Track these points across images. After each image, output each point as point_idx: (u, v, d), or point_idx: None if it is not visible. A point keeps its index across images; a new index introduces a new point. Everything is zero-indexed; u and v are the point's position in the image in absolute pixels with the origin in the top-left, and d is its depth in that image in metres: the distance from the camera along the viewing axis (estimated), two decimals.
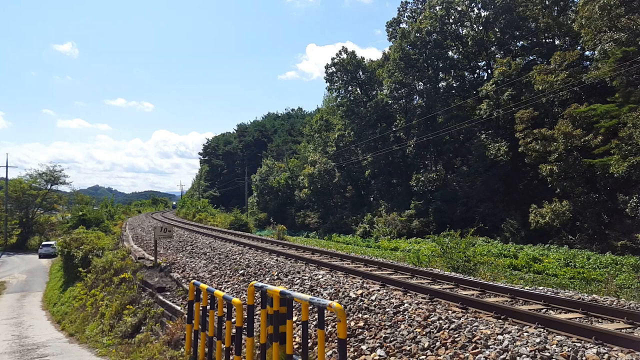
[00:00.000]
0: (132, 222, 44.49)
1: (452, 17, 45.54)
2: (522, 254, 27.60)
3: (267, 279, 11.51)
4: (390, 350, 6.43)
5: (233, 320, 7.35)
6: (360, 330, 7.26)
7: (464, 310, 7.46)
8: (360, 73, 56.77)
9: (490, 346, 5.79)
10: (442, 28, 45.48)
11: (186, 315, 8.89)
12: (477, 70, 48.19)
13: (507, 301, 8.54)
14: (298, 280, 10.63)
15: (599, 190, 30.70)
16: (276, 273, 11.75)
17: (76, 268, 25.82)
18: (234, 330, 6.87)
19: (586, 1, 29.01)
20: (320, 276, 10.58)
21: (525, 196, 35.43)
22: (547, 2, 39.03)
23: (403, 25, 54.28)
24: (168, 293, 12.27)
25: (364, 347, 6.74)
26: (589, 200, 30.03)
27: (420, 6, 55.10)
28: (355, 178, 58.06)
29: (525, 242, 31.67)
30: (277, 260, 13.92)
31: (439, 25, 45.13)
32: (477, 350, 5.78)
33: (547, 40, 41.06)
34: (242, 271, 12.72)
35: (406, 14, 57.09)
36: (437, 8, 45.83)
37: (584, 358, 5.19)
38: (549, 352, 5.36)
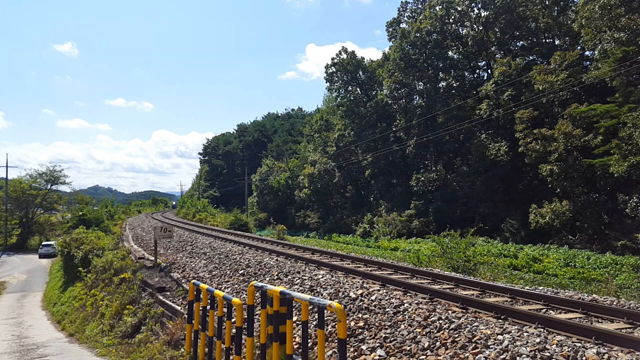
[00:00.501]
0: (132, 222, 44.49)
1: (452, 17, 45.54)
2: (522, 254, 27.60)
3: (267, 279, 11.51)
4: (390, 350, 6.43)
5: (233, 320, 7.35)
6: (360, 330, 7.26)
7: (464, 310, 7.46)
8: (360, 73, 56.77)
9: (490, 346, 5.79)
10: (442, 28, 45.48)
11: (186, 315, 8.89)
12: (477, 70, 48.20)
13: (507, 301, 8.54)
14: (298, 280, 10.63)
15: (599, 190, 30.70)
16: (276, 273, 11.75)
17: (76, 268, 25.82)
18: (234, 330, 6.87)
19: (586, 1, 29.00)
20: (320, 276, 10.58)
21: (525, 196, 35.43)
22: (547, 2, 39.03)
23: (403, 25, 54.27)
24: (168, 293, 12.27)
25: (364, 347, 6.74)
26: (589, 200, 30.02)
27: (420, 6, 55.09)
28: (355, 178, 58.06)
29: (525, 242, 31.66)
30: (277, 260, 13.92)
31: (439, 25, 45.13)
32: (477, 350, 5.78)
33: (547, 40, 41.06)
34: (242, 271, 12.72)
35: (406, 14, 57.11)
36: (437, 8, 45.83)
37: (584, 358, 5.19)
38: (549, 352, 5.36)
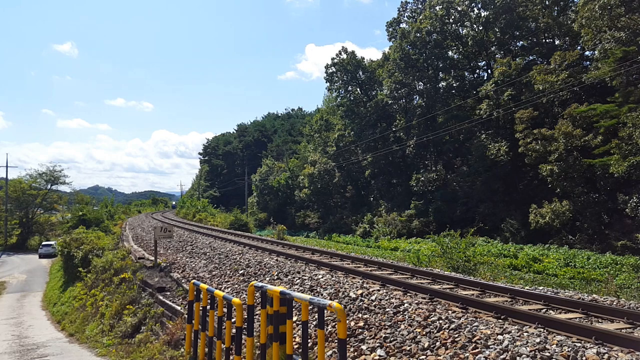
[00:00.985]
0: (132, 222, 44.49)
1: (452, 17, 45.54)
2: (522, 254, 27.60)
3: (267, 279, 11.51)
4: (390, 350, 6.43)
5: (233, 320, 7.35)
6: (360, 330, 7.26)
7: (464, 310, 7.46)
8: (360, 73, 56.77)
9: (490, 346, 5.79)
10: (442, 28, 45.48)
11: (186, 315, 8.89)
12: (477, 70, 48.21)
13: (507, 301, 8.54)
14: (298, 280, 10.63)
15: (599, 190, 30.70)
16: (276, 273, 11.75)
17: (76, 268, 25.82)
18: (234, 330, 6.87)
19: (586, 1, 29.00)
20: (320, 276, 10.58)
21: (525, 196, 35.43)
22: (547, 2, 39.03)
23: (403, 25, 54.27)
24: (168, 293, 12.27)
25: (364, 347, 6.74)
26: (589, 200, 30.02)
27: (420, 6, 55.10)
28: (355, 178, 58.07)
29: (525, 242, 31.66)
30: (277, 260, 13.92)
31: (439, 25, 45.13)
32: (477, 350, 5.78)
33: (547, 40, 41.06)
34: (242, 271, 12.72)
35: (406, 14, 57.11)
36: (437, 8, 45.83)
37: (584, 358, 5.19)
38: (549, 352, 5.36)
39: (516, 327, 6.39)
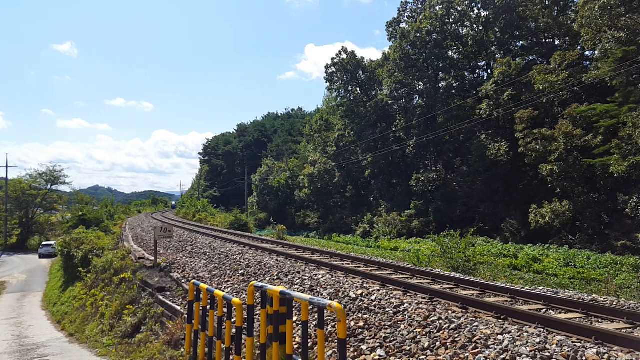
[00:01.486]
0: (132, 222, 44.49)
1: (452, 17, 45.54)
2: (522, 254, 27.60)
3: (267, 279, 11.51)
4: (390, 350, 6.43)
5: (233, 320, 7.35)
6: (360, 330, 7.26)
7: (464, 310, 7.46)
8: (360, 73, 56.78)
9: (490, 346, 5.79)
10: (442, 28, 45.48)
11: (186, 315, 8.89)
12: (477, 70, 48.20)
13: (507, 301, 8.54)
14: (298, 280, 10.62)
15: (599, 190, 30.70)
16: (276, 273, 11.75)
17: (76, 268, 25.82)
18: (234, 330, 6.87)
19: (586, 1, 28.99)
20: (320, 276, 10.58)
21: (525, 196, 35.43)
22: (547, 2, 39.02)
23: (403, 25, 54.26)
24: (168, 293, 12.27)
25: (364, 347, 6.74)
26: (589, 200, 30.02)
27: (420, 6, 55.08)
28: (355, 178, 58.06)
29: (525, 242, 31.66)
30: (277, 260, 13.92)
31: (439, 25, 45.14)
32: (477, 350, 5.78)
33: (547, 40, 41.06)
34: (242, 271, 12.72)
35: (406, 14, 57.09)
36: (437, 8, 45.83)
37: (584, 358, 5.19)
38: (549, 352, 5.36)
39: (516, 327, 6.39)
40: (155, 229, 16.78)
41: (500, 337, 5.95)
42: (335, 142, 56.29)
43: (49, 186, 68.96)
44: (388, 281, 9.93)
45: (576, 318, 7.33)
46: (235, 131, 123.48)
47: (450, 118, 44.54)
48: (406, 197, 46.50)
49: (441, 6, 45.49)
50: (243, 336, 6.59)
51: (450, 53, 47.76)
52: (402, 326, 6.96)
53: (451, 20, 45.66)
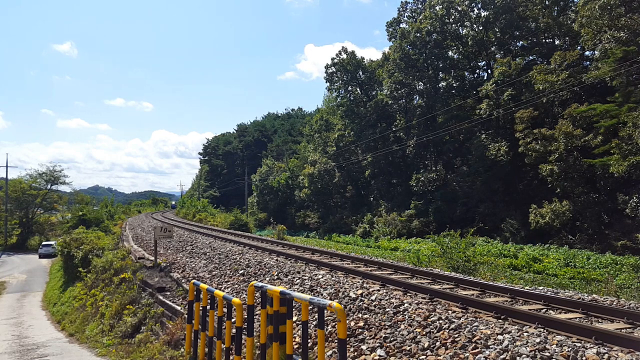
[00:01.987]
0: (132, 222, 44.49)
1: (452, 17, 45.54)
2: (522, 254, 27.60)
3: (267, 279, 11.51)
4: (390, 350, 6.43)
5: (233, 320, 7.35)
6: (360, 330, 7.26)
7: (464, 310, 7.46)
8: (360, 73, 56.77)
9: (490, 346, 5.79)
10: (442, 28, 45.48)
11: (186, 315, 8.89)
12: (477, 70, 48.20)
13: (507, 301, 8.54)
14: (298, 280, 10.62)
15: (599, 190, 30.70)
16: (276, 273, 11.75)
17: (76, 268, 25.82)
18: (234, 330, 6.87)
19: (586, 1, 29.00)
20: (320, 276, 10.58)
21: (525, 196, 35.43)
22: (547, 2, 39.03)
23: (403, 25, 54.27)
24: (168, 293, 12.27)
25: (364, 347, 6.74)
26: (589, 200, 30.02)
27: (420, 6, 55.09)
28: (355, 178, 58.06)
29: (525, 242, 31.66)
30: (277, 260, 13.91)
31: (439, 25, 45.14)
32: (477, 350, 5.78)
33: (547, 40, 41.07)
34: (242, 271, 12.72)
35: (406, 14, 57.10)
36: (437, 8, 45.83)
37: (584, 358, 5.19)
38: (549, 352, 5.36)
39: (516, 327, 6.39)
40: (155, 229, 16.78)
41: (500, 337, 5.95)
42: (335, 142, 56.29)
43: (49, 186, 68.98)
44: (388, 281, 9.93)
45: (576, 318, 7.33)
46: (235, 131, 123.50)
47: (450, 118, 44.54)
48: (406, 197, 46.50)
49: (441, 6, 45.49)
50: (243, 336, 6.59)
51: (450, 53, 47.77)
52: (402, 326, 6.96)
53: (451, 20, 45.66)
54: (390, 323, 7.15)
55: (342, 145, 55.38)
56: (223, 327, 7.04)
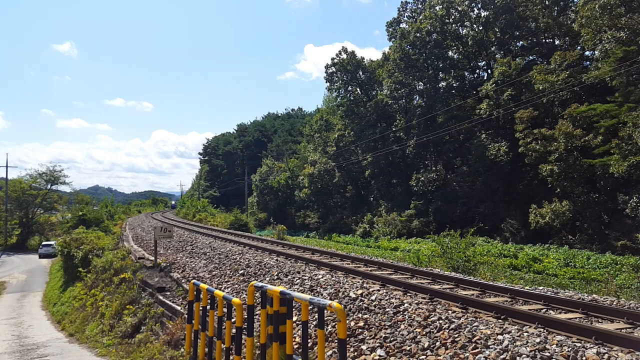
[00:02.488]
0: (132, 222, 44.49)
1: (452, 17, 45.56)
2: (522, 254, 27.60)
3: (267, 279, 11.51)
4: (390, 350, 6.43)
5: (233, 320, 7.35)
6: (360, 330, 7.26)
7: (464, 310, 7.46)
8: (360, 73, 56.79)
9: (490, 346, 5.79)
10: (442, 28, 45.49)
11: (186, 315, 8.89)
12: (477, 70, 48.22)
13: (507, 301, 8.54)
14: (298, 280, 10.62)
15: (599, 190, 30.70)
16: (276, 273, 11.75)
17: (76, 268, 25.82)
18: (234, 330, 6.87)
19: (586, 1, 29.01)
20: (320, 276, 10.58)
21: (525, 196, 35.44)
22: (547, 2, 39.05)
23: (403, 25, 54.28)
24: (168, 293, 12.27)
25: (364, 347, 6.74)
26: (589, 200, 30.03)
27: (420, 6, 55.11)
28: (355, 178, 58.07)
29: (525, 242, 31.67)
30: (277, 260, 13.92)
31: (439, 25, 45.15)
32: (477, 350, 5.78)
33: (547, 40, 41.08)
34: (242, 271, 12.72)
35: (406, 14, 57.12)
36: (437, 8, 45.85)
37: (584, 358, 5.19)
38: (549, 352, 5.36)
39: (516, 327, 6.39)
40: (155, 229, 16.79)
41: (500, 337, 5.95)
42: (335, 142, 56.30)
43: (49, 186, 68.99)
44: (388, 281, 9.93)
45: (576, 318, 7.33)
46: (235, 131, 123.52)
47: (450, 118, 44.55)
48: (406, 197, 46.51)
49: (441, 6, 45.50)
50: (243, 336, 6.59)
51: (450, 53, 47.78)
52: (402, 326, 6.96)
53: (451, 20, 45.68)
54: (390, 323, 7.15)
55: (342, 145, 55.39)
56: (223, 327, 7.04)
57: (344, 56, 56.23)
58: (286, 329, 5.74)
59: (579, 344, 5.58)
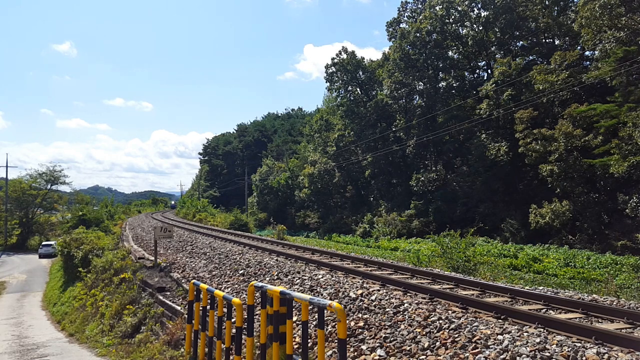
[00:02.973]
0: (132, 222, 44.49)
1: (452, 17, 45.56)
2: (522, 254, 27.60)
3: (267, 279, 11.51)
4: (390, 350, 6.43)
5: (233, 320, 7.35)
6: (360, 330, 7.26)
7: (464, 310, 7.46)
8: (360, 73, 56.79)
9: (490, 346, 5.79)
10: (442, 28, 45.50)
11: (186, 315, 8.89)
12: (477, 70, 48.23)
13: (507, 301, 8.54)
14: (298, 280, 10.62)
15: (599, 190, 30.71)
16: (276, 273, 11.75)
17: (76, 268, 25.82)
18: (234, 330, 6.87)
19: (586, 1, 29.00)
20: (320, 276, 10.58)
21: (525, 196, 35.44)
22: (547, 2, 39.05)
23: (403, 25, 54.28)
24: (168, 293, 12.27)
25: (364, 347, 6.74)
26: (589, 200, 30.03)
27: (420, 6, 55.09)
28: (355, 178, 58.07)
29: (525, 242, 31.67)
30: (277, 260, 13.91)
31: (439, 25, 45.15)
32: (477, 350, 5.78)
33: (547, 40, 41.08)
34: (242, 271, 12.72)
35: (406, 14, 57.10)
36: (437, 8, 45.85)
37: (584, 358, 5.19)
38: (549, 352, 5.35)
39: (516, 327, 6.39)
40: (155, 229, 16.79)
41: (500, 337, 5.95)
42: (335, 142, 56.30)
43: (49, 186, 68.97)
44: (388, 281, 9.93)
45: (576, 318, 7.33)
46: (235, 131, 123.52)
47: (450, 118, 44.55)
48: (406, 197, 46.51)
49: (441, 6, 45.50)
50: (243, 336, 6.59)
51: (450, 53, 47.78)
52: (402, 326, 6.96)
53: (451, 20, 45.67)
54: (390, 323, 7.15)
55: (342, 145, 55.40)
56: (223, 327, 7.04)
57: (344, 56, 56.24)
58: (286, 329, 5.74)
59: (579, 344, 5.58)
